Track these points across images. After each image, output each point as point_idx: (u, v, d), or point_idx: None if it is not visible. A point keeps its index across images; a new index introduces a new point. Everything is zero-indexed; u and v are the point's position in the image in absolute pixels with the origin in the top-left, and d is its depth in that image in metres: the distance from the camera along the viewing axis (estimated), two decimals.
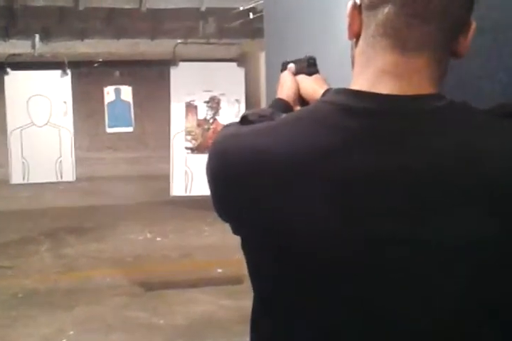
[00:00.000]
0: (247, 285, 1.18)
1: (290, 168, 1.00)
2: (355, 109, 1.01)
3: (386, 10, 1.01)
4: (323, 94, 1.39)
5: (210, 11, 9.09)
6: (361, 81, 1.05)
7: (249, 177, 1.03)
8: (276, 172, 1.01)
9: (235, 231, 1.13)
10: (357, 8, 1.06)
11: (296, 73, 1.54)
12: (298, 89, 1.50)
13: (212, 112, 7.33)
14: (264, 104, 6.73)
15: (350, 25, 1.08)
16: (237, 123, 1.16)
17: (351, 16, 1.08)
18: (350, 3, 1.08)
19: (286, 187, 1.00)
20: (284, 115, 1.13)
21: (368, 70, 1.05)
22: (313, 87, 1.48)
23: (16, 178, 7.77)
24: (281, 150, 1.01)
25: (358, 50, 1.08)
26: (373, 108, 1.01)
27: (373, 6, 1.03)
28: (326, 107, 1.05)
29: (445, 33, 1.02)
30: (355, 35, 1.08)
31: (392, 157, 0.98)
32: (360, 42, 1.07)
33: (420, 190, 0.98)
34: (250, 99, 8.49)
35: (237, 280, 6.02)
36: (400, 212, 0.98)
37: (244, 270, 1.15)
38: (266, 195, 1.02)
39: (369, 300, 1.01)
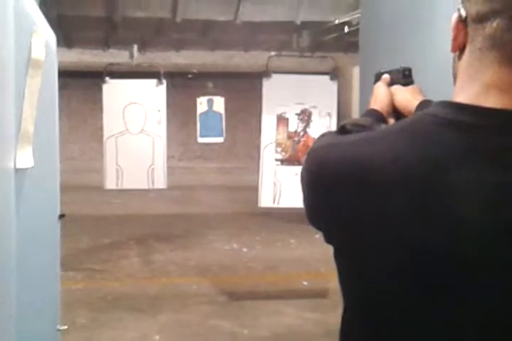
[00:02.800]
0: (333, 299, 1.17)
1: (392, 179, 0.99)
2: (460, 123, 0.99)
3: (495, 23, 0.98)
4: (419, 105, 1.37)
5: (305, 24, 9.12)
6: (466, 94, 1.03)
7: (350, 186, 1.02)
8: (379, 182, 1.00)
9: (329, 240, 1.11)
10: (462, 21, 1.04)
11: (390, 84, 1.52)
12: (392, 101, 1.48)
13: (303, 125, 7.33)
14: (356, 116, 6.69)
15: (454, 38, 1.06)
16: (334, 132, 1.15)
17: (456, 29, 1.05)
18: (455, 16, 1.05)
19: (388, 197, 0.99)
20: (383, 126, 1.12)
21: (473, 83, 1.02)
22: (408, 98, 1.45)
23: (110, 184, 7.95)
24: (384, 161, 1.00)
25: (462, 63, 1.06)
26: (480, 123, 0.98)
27: (481, 19, 1.00)
28: (427, 119, 1.03)
29: None
30: (460, 48, 1.06)
31: (503, 176, 0.96)
32: (466, 55, 1.05)
33: (491, 206, 0.95)
34: (342, 113, 8.45)
35: (322, 294, 5.97)
36: (498, 232, 0.95)
37: (330, 283, 1.14)
38: (368, 204, 1.01)
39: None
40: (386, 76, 1.54)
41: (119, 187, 8.00)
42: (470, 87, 1.03)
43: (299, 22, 8.79)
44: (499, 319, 0.98)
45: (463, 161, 0.97)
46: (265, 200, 7.34)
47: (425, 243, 0.98)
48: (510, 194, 0.95)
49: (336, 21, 8.70)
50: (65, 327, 2.87)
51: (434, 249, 0.97)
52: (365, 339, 1.11)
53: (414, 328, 1.03)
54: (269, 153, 7.32)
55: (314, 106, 7.27)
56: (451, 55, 1.11)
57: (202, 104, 11.83)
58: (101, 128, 8.03)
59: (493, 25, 0.98)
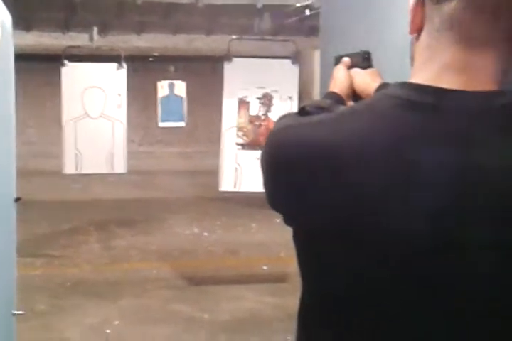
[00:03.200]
0: (293, 284, 1.17)
1: (352, 159, 0.99)
2: (419, 103, 1.00)
3: (453, 4, 0.99)
4: (378, 88, 1.38)
5: (266, 8, 9.09)
6: (424, 75, 1.04)
7: (310, 168, 1.02)
8: (339, 164, 1.00)
9: (288, 223, 1.11)
10: (420, 2, 1.04)
11: (350, 67, 1.53)
12: (351, 84, 1.49)
13: (265, 109, 7.32)
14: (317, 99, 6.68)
15: (412, 20, 1.07)
16: (294, 113, 1.15)
17: (414, 10, 1.06)
18: None
19: (350, 179, 0.99)
20: (342, 107, 1.12)
21: (431, 64, 1.03)
22: (366, 81, 1.47)
23: (69, 169, 7.86)
24: (343, 141, 1.00)
25: (420, 44, 1.07)
26: (438, 103, 0.99)
27: (439, 0, 1.00)
28: (388, 101, 1.03)
29: None
30: (418, 30, 1.07)
31: (459, 155, 0.97)
32: (423, 36, 1.06)
33: (473, 189, 0.96)
34: (303, 97, 8.45)
35: (281, 278, 6.01)
36: (467, 212, 0.97)
37: (289, 268, 1.15)
38: (327, 184, 1.01)
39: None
40: (346, 59, 1.54)
41: (78, 172, 7.92)
42: (428, 67, 1.04)
43: (260, 5, 8.77)
44: (498, 309, 0.99)
45: (428, 143, 0.98)
46: (226, 185, 7.32)
47: (389, 225, 0.98)
48: (474, 175, 0.96)
49: (298, 4, 8.69)
50: (21, 312, 2.85)
51: (400, 233, 0.98)
52: (324, 322, 1.12)
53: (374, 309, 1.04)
54: (230, 137, 7.30)
55: (275, 90, 7.26)
56: (410, 37, 1.12)
57: (163, 87, 11.72)
58: (60, 113, 7.92)
59: (450, 5, 0.99)
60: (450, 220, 0.96)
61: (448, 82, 1.00)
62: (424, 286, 1.00)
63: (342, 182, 1.00)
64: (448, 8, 1.00)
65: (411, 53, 1.12)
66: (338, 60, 1.58)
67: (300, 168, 1.04)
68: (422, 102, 1.00)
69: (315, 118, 1.08)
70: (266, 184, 1.13)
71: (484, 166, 0.96)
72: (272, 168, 1.11)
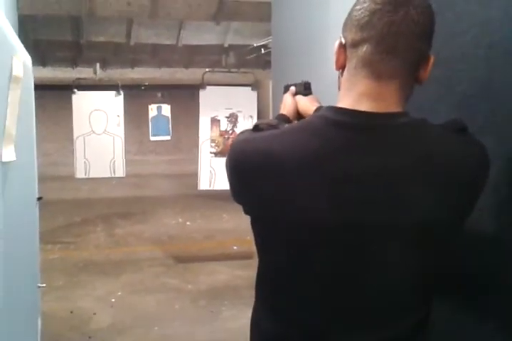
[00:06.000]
0: (257, 260, 1.20)
1: (291, 166, 1.03)
2: (341, 122, 1.04)
3: (364, 48, 1.04)
4: (315, 111, 1.42)
5: (231, 47, 9.10)
6: (346, 101, 1.08)
7: (260, 171, 1.06)
8: (281, 168, 1.04)
9: (246, 212, 1.15)
10: (342, 46, 1.09)
11: (295, 94, 1.56)
12: (296, 107, 1.52)
13: (231, 125, 7.36)
14: (271, 118, 6.71)
15: (337, 60, 1.11)
16: (250, 130, 1.19)
17: (338, 52, 1.10)
18: (337, 43, 1.11)
19: (288, 179, 1.03)
20: (286, 125, 1.16)
21: (351, 93, 1.08)
22: (307, 105, 1.50)
23: (79, 174, 7.80)
24: (285, 152, 1.04)
25: (343, 78, 1.11)
26: (355, 122, 1.04)
27: (355, 45, 1.05)
28: (318, 121, 1.07)
29: (410, 65, 1.04)
30: (341, 67, 1.11)
31: (368, 160, 1.01)
32: (345, 72, 1.10)
33: (389, 186, 1.01)
34: (261, 115, 8.49)
35: (248, 256, 6.03)
36: (374, 203, 1.01)
37: (254, 247, 1.18)
38: (272, 185, 1.05)
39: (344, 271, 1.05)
40: (292, 88, 1.58)
41: (87, 177, 7.86)
42: (349, 95, 1.08)
43: (226, 45, 8.78)
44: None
45: (344, 152, 1.02)
46: (203, 184, 7.34)
47: (311, 213, 1.03)
48: (374, 173, 1.01)
49: (255, 44, 8.73)
50: (44, 285, 2.84)
51: (325, 219, 1.02)
52: (273, 287, 1.17)
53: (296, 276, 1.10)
54: (205, 147, 7.33)
55: (240, 111, 7.31)
56: (337, 72, 1.16)
57: (152, 110, 11.63)
58: (72, 130, 7.86)
59: (363, 49, 1.04)
60: (354, 206, 1.01)
61: (363, 106, 1.05)
62: (338, 254, 1.04)
63: (282, 182, 1.04)
64: (361, 51, 1.04)
65: (338, 84, 1.16)
66: (286, 88, 1.60)
67: (253, 171, 1.07)
68: (343, 121, 1.04)
69: (265, 133, 1.12)
70: (229, 182, 1.17)
71: (386, 166, 1.01)
72: (233, 171, 1.14)
